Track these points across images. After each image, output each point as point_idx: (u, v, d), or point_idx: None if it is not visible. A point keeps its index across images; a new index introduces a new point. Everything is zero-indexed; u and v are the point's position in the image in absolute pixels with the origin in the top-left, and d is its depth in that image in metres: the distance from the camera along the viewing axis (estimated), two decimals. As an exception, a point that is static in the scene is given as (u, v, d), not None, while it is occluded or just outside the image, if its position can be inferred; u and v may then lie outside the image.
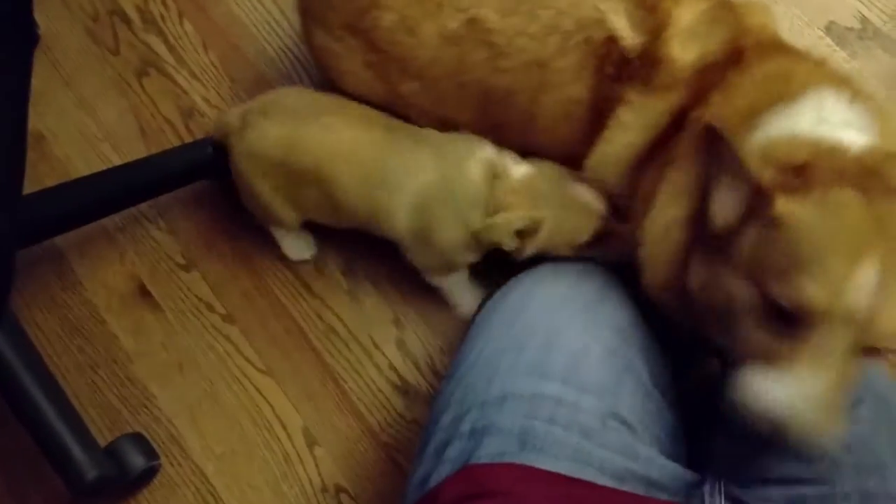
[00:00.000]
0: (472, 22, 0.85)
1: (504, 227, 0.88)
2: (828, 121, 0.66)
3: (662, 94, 0.78)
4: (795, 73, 0.73)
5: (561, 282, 0.87)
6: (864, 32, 1.23)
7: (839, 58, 1.20)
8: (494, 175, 0.90)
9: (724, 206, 0.67)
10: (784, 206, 0.60)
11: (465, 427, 0.71)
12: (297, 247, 1.09)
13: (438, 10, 0.86)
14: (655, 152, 0.81)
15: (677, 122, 0.79)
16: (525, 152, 0.94)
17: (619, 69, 0.81)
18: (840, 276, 0.58)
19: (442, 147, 0.94)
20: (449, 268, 0.99)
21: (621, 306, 0.85)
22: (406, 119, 0.98)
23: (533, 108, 0.88)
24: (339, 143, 0.92)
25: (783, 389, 0.61)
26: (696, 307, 0.73)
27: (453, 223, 0.91)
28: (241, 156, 0.95)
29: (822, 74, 0.73)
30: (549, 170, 0.91)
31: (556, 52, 0.83)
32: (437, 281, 1.02)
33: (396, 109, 0.98)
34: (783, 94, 0.70)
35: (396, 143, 0.93)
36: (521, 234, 0.89)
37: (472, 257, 0.97)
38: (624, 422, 0.72)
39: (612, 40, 0.80)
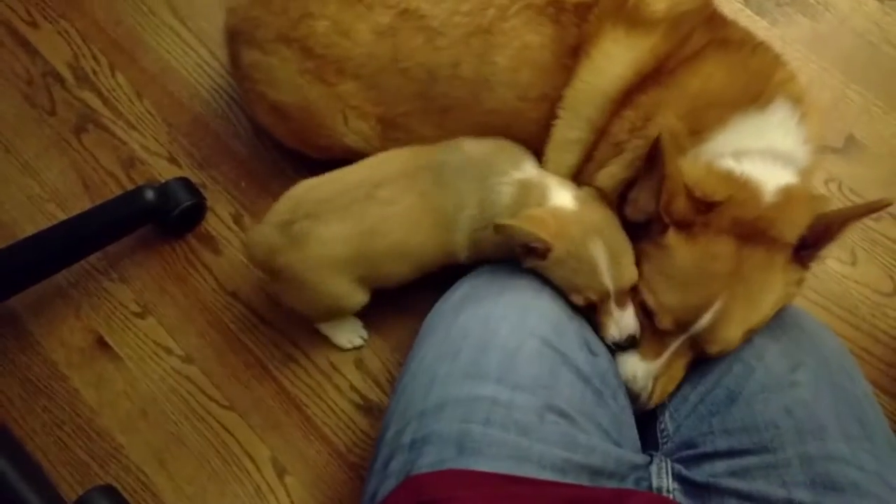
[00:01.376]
0: (404, 13, 0.90)
1: (517, 230, 0.82)
2: (774, 148, 0.80)
3: (647, 30, 0.85)
4: (773, 76, 0.84)
5: (497, 280, 0.88)
6: (783, -1, 1.25)
7: (760, 27, 1.22)
8: (533, 201, 0.87)
9: (639, 203, 0.80)
10: (673, 238, 0.77)
11: (407, 439, 0.72)
12: (351, 333, 1.08)
13: (369, 10, 0.91)
14: (635, 96, 0.85)
15: (659, 69, 0.85)
16: (477, 131, 0.95)
17: (581, 15, 0.87)
18: (690, 307, 0.77)
19: (481, 168, 0.92)
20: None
21: (559, 296, 0.86)
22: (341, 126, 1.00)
23: (484, 70, 0.91)
24: (403, 213, 0.91)
25: (630, 365, 0.83)
26: None
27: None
28: (308, 267, 0.91)
29: (791, 85, 0.84)
30: (599, 208, 0.85)
31: (497, 20, 0.88)
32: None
33: (329, 115, 1.00)
34: (759, 95, 0.82)
35: (443, 183, 0.92)
36: (529, 251, 0.84)
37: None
38: (562, 413, 0.72)
39: (555, 1, 0.87)
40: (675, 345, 0.81)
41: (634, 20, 0.86)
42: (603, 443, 0.73)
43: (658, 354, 0.82)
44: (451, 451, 0.68)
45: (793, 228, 0.75)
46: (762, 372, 0.79)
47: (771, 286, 0.77)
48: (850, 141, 1.18)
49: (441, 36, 0.90)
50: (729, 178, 0.77)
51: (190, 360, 1.09)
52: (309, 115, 1.02)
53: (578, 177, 0.92)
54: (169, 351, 1.09)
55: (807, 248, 0.76)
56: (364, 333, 1.09)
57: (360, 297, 0.98)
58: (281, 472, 1.02)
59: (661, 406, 0.87)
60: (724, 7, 0.90)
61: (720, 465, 0.73)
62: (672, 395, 0.87)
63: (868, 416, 0.75)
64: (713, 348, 0.80)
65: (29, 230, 1.14)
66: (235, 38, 1.02)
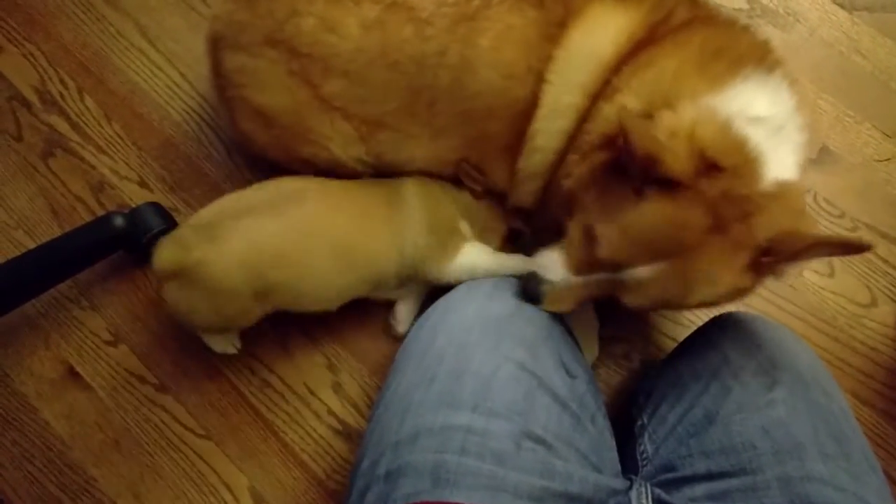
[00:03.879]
0: (393, 6, 0.90)
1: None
2: (775, 110, 0.78)
3: (636, 2, 0.86)
4: (772, 51, 0.83)
5: (472, 302, 0.87)
6: (753, 11, 1.25)
7: (732, 40, 1.22)
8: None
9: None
10: (651, 194, 0.73)
11: (381, 470, 0.71)
12: (225, 341, 1.06)
13: (356, 5, 0.91)
14: (630, 59, 0.84)
15: (650, 37, 0.85)
16: (461, 121, 0.96)
17: (565, 1, 0.87)
18: (631, 256, 0.76)
19: (387, 197, 1.01)
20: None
21: (534, 318, 0.85)
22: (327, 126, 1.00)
23: (468, 54, 0.90)
24: (308, 252, 0.93)
25: (552, 261, 0.86)
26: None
27: (435, 254, 1.00)
28: (221, 260, 0.89)
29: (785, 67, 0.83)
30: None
31: (482, 8, 0.89)
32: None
33: (316, 118, 0.99)
34: (763, 59, 0.80)
35: (360, 226, 0.97)
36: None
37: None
38: (539, 440, 0.71)
39: None
40: (597, 276, 0.82)
41: None
42: (581, 469, 0.72)
43: (579, 273, 0.84)
44: (426, 482, 0.67)
45: (768, 228, 0.72)
46: (738, 391, 0.78)
47: (716, 281, 0.75)
48: (823, 151, 1.18)
49: (429, 25, 0.90)
50: (741, 147, 0.74)
51: (164, 388, 1.07)
52: (297, 117, 1.00)
53: (575, 142, 0.90)
54: (143, 380, 1.07)
55: (767, 256, 0.73)
56: (238, 343, 1.06)
57: (253, 311, 0.94)
58: (259, 502, 1.00)
59: (641, 427, 0.87)
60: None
61: (699, 489, 0.72)
62: (651, 416, 0.87)
63: (845, 432, 0.75)
64: (625, 300, 0.80)
65: (-4, 259, 1.12)
66: (218, 43, 0.99)
